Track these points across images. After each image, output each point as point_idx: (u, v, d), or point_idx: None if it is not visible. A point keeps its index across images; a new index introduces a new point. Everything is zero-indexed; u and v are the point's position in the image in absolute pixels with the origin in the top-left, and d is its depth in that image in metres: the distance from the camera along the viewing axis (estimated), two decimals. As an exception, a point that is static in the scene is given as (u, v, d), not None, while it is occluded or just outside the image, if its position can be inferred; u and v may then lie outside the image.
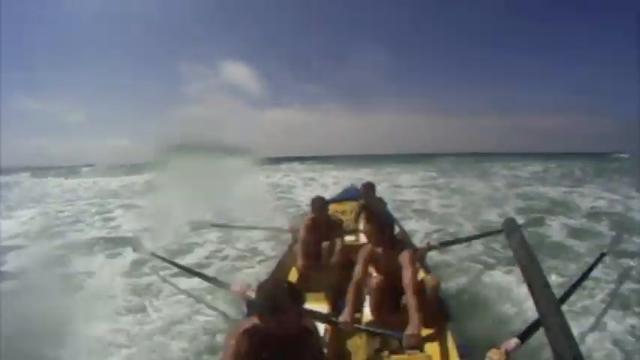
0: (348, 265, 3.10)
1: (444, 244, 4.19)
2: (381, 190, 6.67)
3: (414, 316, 2.17)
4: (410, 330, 2.11)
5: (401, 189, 12.93)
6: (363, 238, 4.09)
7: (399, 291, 2.47)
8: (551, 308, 1.54)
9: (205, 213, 7.21)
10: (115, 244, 6.14)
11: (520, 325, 2.45)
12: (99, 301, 3.92)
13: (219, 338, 3.07)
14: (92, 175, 26.54)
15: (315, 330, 1.72)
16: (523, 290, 3.70)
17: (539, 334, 2.12)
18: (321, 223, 3.72)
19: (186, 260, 5.11)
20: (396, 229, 3.63)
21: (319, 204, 3.77)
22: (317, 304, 2.73)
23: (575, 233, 6.11)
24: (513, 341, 1.92)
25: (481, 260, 4.80)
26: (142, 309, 3.70)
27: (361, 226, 4.40)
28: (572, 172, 19.45)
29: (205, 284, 3.64)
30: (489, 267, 4.62)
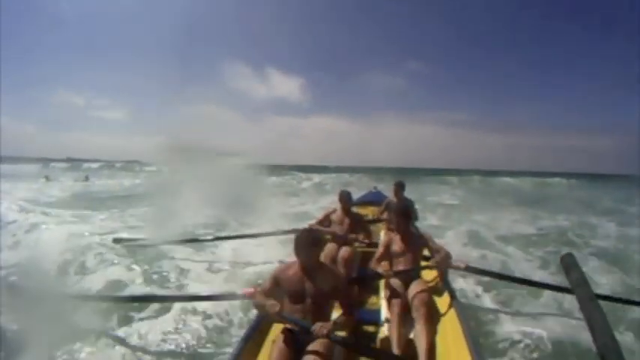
0: (360, 269, 3.66)
1: (479, 272, 3.54)
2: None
3: (440, 251, 2.88)
4: (439, 256, 2.86)
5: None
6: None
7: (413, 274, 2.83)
8: (611, 346, 1.46)
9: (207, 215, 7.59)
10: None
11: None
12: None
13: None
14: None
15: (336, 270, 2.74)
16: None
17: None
18: (348, 214, 3.97)
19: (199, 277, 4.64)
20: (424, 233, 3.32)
21: (347, 196, 4.02)
22: None
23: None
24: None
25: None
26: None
27: (383, 228, 4.69)
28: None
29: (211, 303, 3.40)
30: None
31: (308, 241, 2.01)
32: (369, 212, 5.40)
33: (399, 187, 5.04)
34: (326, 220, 3.99)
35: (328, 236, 3.76)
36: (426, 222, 8.00)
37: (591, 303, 1.63)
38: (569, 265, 2.02)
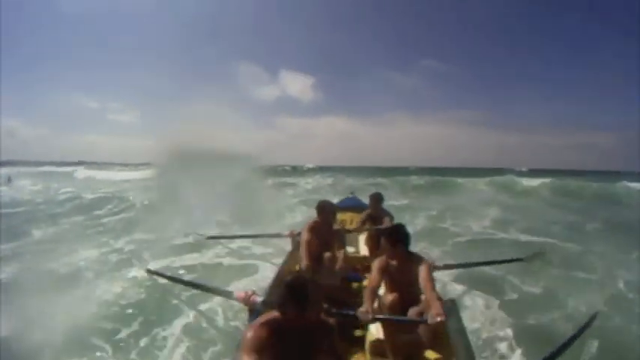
0: (349, 274, 3.49)
1: (448, 267, 3.93)
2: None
3: (435, 304, 2.24)
4: (434, 310, 2.20)
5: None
6: (363, 250, 4.39)
7: (409, 304, 2.55)
8: None
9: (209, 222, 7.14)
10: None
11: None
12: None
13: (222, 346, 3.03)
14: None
15: (334, 326, 1.79)
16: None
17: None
18: (325, 227, 3.66)
19: (187, 272, 4.84)
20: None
21: (328, 208, 3.74)
22: None
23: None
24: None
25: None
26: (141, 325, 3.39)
27: (362, 238, 4.58)
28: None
29: (205, 295, 3.64)
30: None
31: (313, 294, 1.59)
32: (347, 218, 5.25)
33: (377, 200, 4.74)
34: (309, 231, 3.60)
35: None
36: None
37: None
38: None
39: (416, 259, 2.62)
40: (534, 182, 15.84)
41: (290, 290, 1.56)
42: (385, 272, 2.61)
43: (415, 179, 19.04)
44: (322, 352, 1.60)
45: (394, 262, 2.63)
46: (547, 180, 15.72)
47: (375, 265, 2.65)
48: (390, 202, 10.15)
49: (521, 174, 29.99)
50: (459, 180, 18.74)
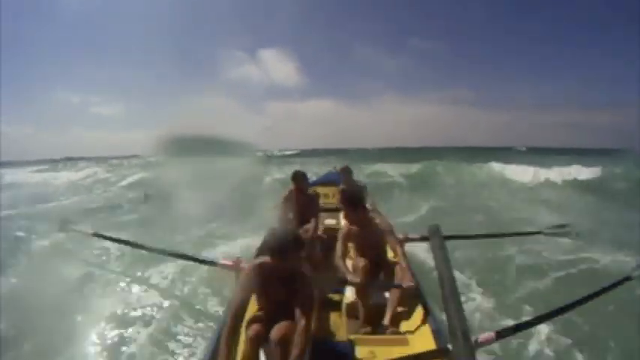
0: (327, 245, 3.57)
1: (424, 239, 3.78)
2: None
3: (406, 274, 2.68)
4: (405, 278, 2.65)
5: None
6: (343, 222, 4.51)
7: (378, 267, 2.82)
8: (459, 321, 1.67)
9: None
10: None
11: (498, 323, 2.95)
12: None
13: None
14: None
15: (310, 277, 2.02)
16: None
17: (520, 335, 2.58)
18: (301, 195, 4.03)
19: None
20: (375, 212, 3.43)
21: (301, 177, 4.10)
22: None
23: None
24: (488, 334, 2.06)
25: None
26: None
27: (342, 214, 4.52)
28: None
29: (182, 265, 3.89)
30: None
31: (293, 245, 1.93)
32: (328, 192, 5.30)
33: (346, 173, 5.11)
34: (285, 202, 3.99)
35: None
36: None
37: (446, 272, 1.83)
38: (432, 235, 2.20)
39: (378, 223, 2.87)
40: (577, 171, 12.54)
41: (276, 239, 1.91)
42: (350, 239, 2.87)
43: (417, 166, 15.91)
44: (300, 296, 1.87)
45: (355, 228, 2.85)
46: (591, 168, 12.68)
47: (340, 235, 2.91)
48: (405, 219, 7.09)
49: (521, 153, 27.11)
50: (471, 166, 15.75)
